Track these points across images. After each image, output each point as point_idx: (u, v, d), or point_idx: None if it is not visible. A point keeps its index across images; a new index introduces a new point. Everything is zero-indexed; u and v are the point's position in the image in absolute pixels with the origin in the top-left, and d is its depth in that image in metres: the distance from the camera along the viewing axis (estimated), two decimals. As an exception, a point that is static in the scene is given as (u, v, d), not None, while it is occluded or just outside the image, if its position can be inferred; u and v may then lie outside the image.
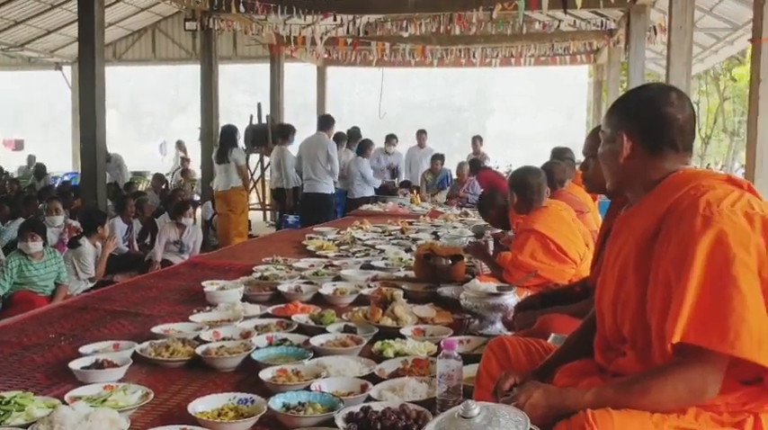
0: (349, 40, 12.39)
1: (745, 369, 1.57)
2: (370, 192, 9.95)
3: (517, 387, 1.78)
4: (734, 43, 12.36)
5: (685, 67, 7.45)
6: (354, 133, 10.76)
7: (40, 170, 13.61)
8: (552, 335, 2.39)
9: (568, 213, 3.85)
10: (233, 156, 8.67)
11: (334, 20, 10.87)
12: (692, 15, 7.50)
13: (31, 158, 15.37)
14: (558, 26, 11.56)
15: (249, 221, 9.31)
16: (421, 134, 11.87)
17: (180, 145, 15.58)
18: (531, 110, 20.46)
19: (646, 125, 1.76)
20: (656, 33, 9.70)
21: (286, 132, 9.95)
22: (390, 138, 11.33)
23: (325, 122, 9.11)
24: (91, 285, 6.09)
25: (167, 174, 13.73)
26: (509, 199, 3.99)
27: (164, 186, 11.90)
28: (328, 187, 8.94)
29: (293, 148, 9.85)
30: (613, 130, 1.82)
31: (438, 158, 10.80)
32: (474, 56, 13.45)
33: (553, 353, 2.04)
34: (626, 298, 1.76)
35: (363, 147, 10.14)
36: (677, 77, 7.23)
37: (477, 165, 9.95)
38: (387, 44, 12.62)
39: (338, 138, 9.85)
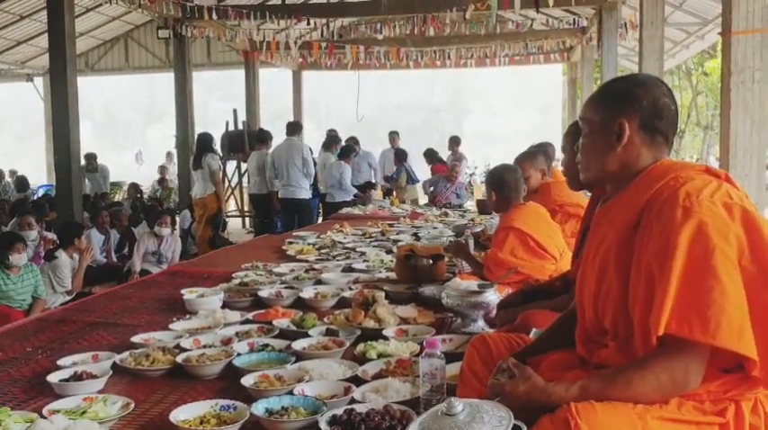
0: (323, 44, 12.39)
1: (726, 357, 1.59)
2: (349, 197, 9.88)
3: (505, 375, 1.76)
4: (704, 37, 12.55)
5: (657, 63, 7.55)
6: (335, 137, 10.76)
7: (22, 183, 13.43)
8: (533, 330, 2.40)
9: (544, 211, 3.87)
10: (206, 162, 8.63)
11: (308, 24, 10.85)
12: (662, 11, 7.62)
13: (12, 172, 15.20)
14: (531, 25, 11.68)
15: (225, 223, 9.24)
16: (393, 135, 11.85)
17: (170, 156, 15.44)
18: (507, 109, 20.59)
19: (647, 113, 1.75)
20: (627, 30, 9.80)
21: (264, 137, 9.92)
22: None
23: (294, 128, 9.28)
24: (69, 298, 6.02)
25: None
26: (486, 197, 4.00)
27: (138, 195, 11.82)
28: (306, 192, 9.05)
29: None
30: (609, 118, 1.78)
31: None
32: (449, 57, 13.52)
33: (529, 345, 2.04)
34: (607, 290, 1.77)
35: (346, 152, 10.05)
36: (650, 73, 7.32)
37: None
38: (361, 47, 12.63)
39: (328, 144, 10.20)
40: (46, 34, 8.79)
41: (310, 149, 9.56)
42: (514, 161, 4.28)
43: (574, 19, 12.12)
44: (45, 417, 2.16)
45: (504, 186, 3.77)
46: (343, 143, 10.42)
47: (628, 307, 1.69)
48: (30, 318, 4.35)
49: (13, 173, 15.18)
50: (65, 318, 3.64)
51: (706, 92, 22.76)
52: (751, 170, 5.00)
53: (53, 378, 2.53)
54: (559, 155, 3.43)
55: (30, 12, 13.67)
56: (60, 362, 2.75)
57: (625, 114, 1.76)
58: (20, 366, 2.85)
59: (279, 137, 9.76)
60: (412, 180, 10.63)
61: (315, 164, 9.50)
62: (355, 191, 9.81)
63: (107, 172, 12.13)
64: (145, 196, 12.86)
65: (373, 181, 10.60)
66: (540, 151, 4.53)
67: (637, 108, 1.75)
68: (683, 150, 22.81)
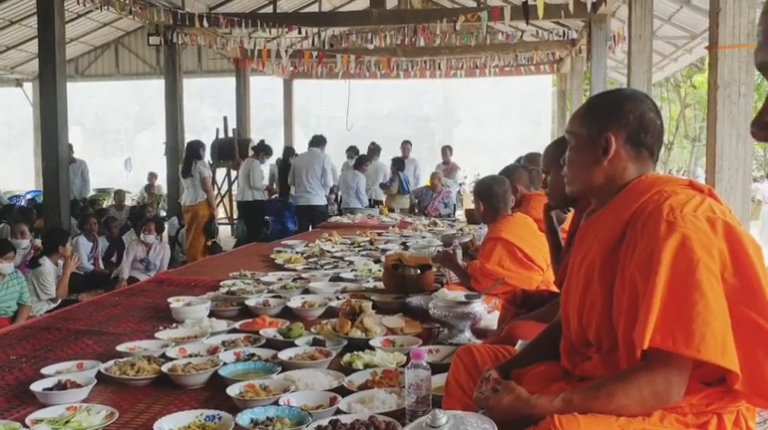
0: (314, 53, 12.41)
1: (709, 371, 1.60)
2: (360, 205, 10.28)
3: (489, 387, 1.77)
4: (692, 51, 12.65)
5: (646, 75, 7.61)
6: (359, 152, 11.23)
7: None
8: (519, 341, 2.40)
9: (532, 222, 3.88)
10: (197, 169, 8.63)
11: (299, 33, 10.87)
12: (650, 24, 7.68)
13: None
14: (522, 37, 11.75)
15: (216, 229, 9.23)
16: (406, 145, 11.94)
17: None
18: (497, 119, 20.69)
19: (633, 127, 1.77)
20: (616, 42, 9.88)
21: (266, 150, 10.26)
22: None
23: (318, 140, 9.84)
24: (53, 306, 5.96)
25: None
26: (475, 208, 4.01)
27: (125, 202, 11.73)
28: (321, 198, 9.67)
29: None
30: (595, 131, 1.80)
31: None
32: (439, 67, 13.58)
33: (514, 356, 2.05)
34: (591, 303, 1.78)
35: (360, 162, 10.55)
36: (638, 85, 7.38)
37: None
38: (352, 56, 12.66)
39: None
40: (36, 40, 8.76)
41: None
42: (502, 172, 4.30)
43: (564, 31, 12.21)
44: (27, 427, 2.15)
45: (492, 197, 3.79)
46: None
47: (612, 320, 1.70)
48: (14, 325, 4.31)
49: None
50: (50, 325, 3.61)
51: (694, 104, 22.95)
52: (737, 183, 5.03)
53: (36, 387, 2.50)
54: None
55: (20, 17, 13.62)
56: (44, 370, 2.72)
57: (611, 128, 1.78)
58: (3, 374, 2.82)
59: (272, 145, 10.01)
60: (404, 189, 10.68)
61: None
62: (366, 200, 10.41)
63: (85, 167, 11.79)
64: (132, 203, 12.77)
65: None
66: (524, 165, 4.56)
67: (623, 122, 1.77)
68: (671, 162, 22.98)
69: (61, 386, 2.51)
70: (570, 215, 3.07)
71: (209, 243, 8.87)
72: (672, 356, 1.55)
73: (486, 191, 3.82)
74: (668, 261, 1.57)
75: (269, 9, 13.15)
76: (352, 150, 11.54)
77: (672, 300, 1.55)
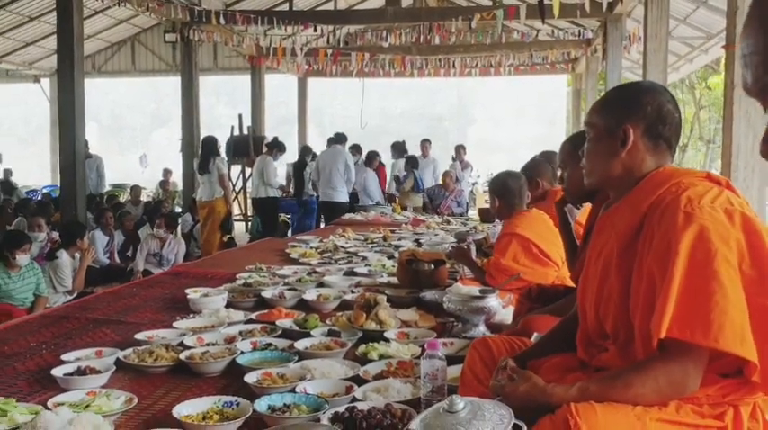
0: (329, 51, 12.44)
1: (726, 362, 1.60)
2: (372, 201, 10.36)
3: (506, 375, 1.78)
4: (708, 52, 12.56)
5: (661, 75, 7.57)
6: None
7: (6, 186, 13.39)
8: (535, 334, 2.42)
9: (548, 218, 3.88)
10: (215, 166, 8.68)
11: (315, 31, 10.91)
12: (666, 24, 7.64)
13: (7, 172, 15.18)
14: (537, 35, 11.71)
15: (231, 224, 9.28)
16: (425, 143, 11.97)
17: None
18: (511, 119, 20.63)
19: (652, 119, 1.78)
20: (631, 42, 9.84)
21: (280, 147, 10.26)
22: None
23: (340, 137, 10.11)
24: (70, 298, 6.03)
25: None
26: (490, 203, 4.02)
27: (140, 197, 11.82)
28: (344, 195, 9.85)
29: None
30: (613, 123, 1.81)
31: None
32: (454, 65, 13.57)
33: (530, 347, 2.06)
34: (608, 294, 1.79)
35: (370, 158, 10.65)
36: (654, 85, 7.33)
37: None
38: (367, 55, 12.68)
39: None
40: (53, 36, 8.85)
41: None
42: (525, 167, 4.27)
43: (579, 30, 12.17)
44: (50, 409, 2.19)
45: (507, 193, 3.78)
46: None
47: (629, 311, 1.71)
48: (33, 314, 4.37)
49: (7, 172, 15.12)
50: (68, 314, 3.66)
51: (709, 106, 22.81)
52: (752, 183, 5.00)
53: (57, 372, 2.55)
54: None
55: (38, 14, 13.75)
56: (64, 357, 2.77)
57: (630, 120, 1.79)
58: (25, 360, 2.87)
59: (286, 143, 10.13)
60: (418, 188, 10.70)
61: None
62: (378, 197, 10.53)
63: (101, 164, 11.85)
64: (148, 198, 12.85)
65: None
66: (547, 160, 4.53)
67: (641, 114, 1.78)
68: (686, 164, 22.81)
69: (81, 371, 2.56)
70: (585, 209, 3.07)
71: (226, 239, 8.93)
72: (689, 346, 1.55)
73: (502, 186, 3.81)
74: (686, 251, 1.58)
75: (285, 7, 13.19)
76: (354, 148, 11.60)
77: (689, 290, 1.56)
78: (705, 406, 1.63)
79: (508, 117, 20.69)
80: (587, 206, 3.00)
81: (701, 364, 1.59)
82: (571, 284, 3.08)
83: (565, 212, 3.07)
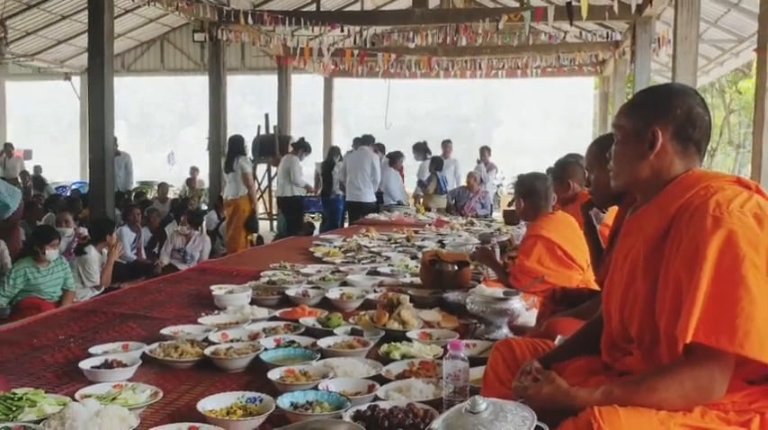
0: (356, 52, 12.47)
1: (752, 368, 1.59)
2: (394, 200, 10.45)
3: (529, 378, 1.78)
4: (739, 55, 12.39)
5: (691, 79, 7.48)
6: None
7: (38, 181, 13.63)
8: (558, 336, 2.41)
9: (573, 220, 3.85)
10: (239, 164, 8.76)
11: (342, 31, 10.94)
12: (697, 27, 7.55)
13: (37, 168, 15.46)
14: (564, 37, 11.65)
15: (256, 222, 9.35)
16: (447, 144, 11.97)
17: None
18: (537, 121, 20.52)
19: (681, 122, 1.76)
20: (660, 45, 9.72)
21: (305, 147, 10.39)
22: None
23: (368, 139, 10.38)
24: (97, 293, 6.11)
25: None
26: (515, 204, 4.00)
27: (167, 195, 11.96)
28: (370, 196, 10.05)
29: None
30: (642, 125, 1.79)
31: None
32: (480, 67, 13.52)
33: (554, 350, 2.05)
34: (634, 297, 1.77)
35: (393, 158, 10.72)
36: (683, 88, 7.24)
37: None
38: (393, 55, 12.69)
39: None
40: (85, 34, 8.98)
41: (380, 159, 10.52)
42: (555, 168, 4.21)
43: (607, 32, 12.07)
44: (77, 401, 2.22)
45: (533, 194, 3.76)
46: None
47: (654, 315, 1.70)
48: (61, 308, 4.44)
49: (37, 169, 15.40)
50: (96, 309, 3.72)
51: (739, 110, 22.47)
52: (783, 187, 4.94)
53: (85, 364, 2.59)
54: None
55: (71, 12, 13.98)
56: (92, 350, 2.82)
57: (659, 122, 1.77)
58: (53, 353, 2.93)
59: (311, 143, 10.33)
60: (441, 190, 10.69)
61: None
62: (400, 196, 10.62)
63: (130, 161, 12.02)
64: (174, 196, 13.00)
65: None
66: (577, 162, 4.48)
67: (671, 117, 1.76)
68: (715, 169, 22.40)
69: (108, 365, 2.60)
70: (612, 212, 3.04)
71: (252, 237, 8.99)
72: (714, 352, 1.54)
73: (529, 187, 3.79)
74: (713, 256, 1.56)
75: (312, 7, 13.27)
76: (377, 147, 11.72)
77: (716, 295, 1.54)
78: (731, 412, 1.61)
79: (534, 119, 20.58)
80: (612, 209, 2.98)
81: (728, 370, 1.57)
82: (596, 287, 3.05)
83: (590, 216, 3.04)
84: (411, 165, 11.91)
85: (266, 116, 12.03)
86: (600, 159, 2.53)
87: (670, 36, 8.30)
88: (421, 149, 11.60)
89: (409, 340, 2.98)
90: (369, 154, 10.08)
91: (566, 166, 4.14)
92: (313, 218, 11.41)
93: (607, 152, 1.95)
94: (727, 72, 15.60)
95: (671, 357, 1.63)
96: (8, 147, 15.05)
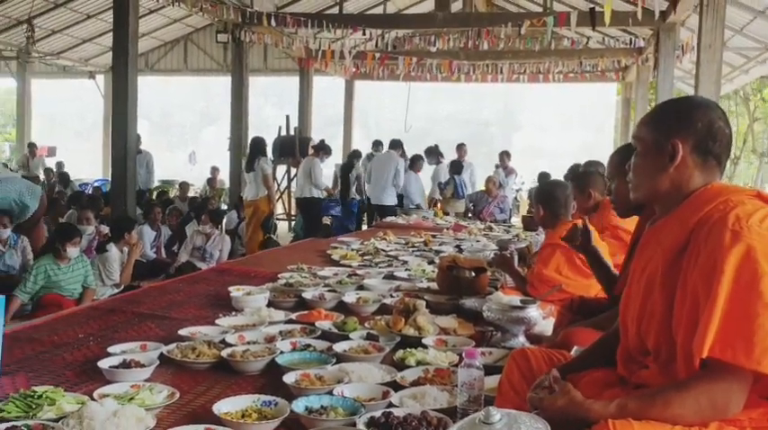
0: (377, 55, 12.49)
1: (770, 385, 1.57)
2: (413, 204, 10.62)
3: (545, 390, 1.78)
4: (765, 63, 12.25)
5: (714, 86, 7.40)
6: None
7: (63, 177, 13.81)
8: (575, 347, 2.40)
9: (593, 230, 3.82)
10: (259, 165, 8.81)
11: (364, 34, 10.97)
12: (721, 34, 7.46)
13: (59, 165, 15.65)
14: (587, 43, 11.58)
15: (275, 226, 9.39)
16: (462, 147, 11.95)
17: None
18: (558, 126, 20.41)
19: (702, 135, 1.75)
20: (684, 52, 9.64)
21: (326, 149, 10.51)
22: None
23: (395, 144, 10.67)
24: (117, 291, 6.17)
25: None
26: (534, 212, 3.98)
27: (188, 194, 12.05)
28: (392, 198, 10.39)
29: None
30: (662, 138, 1.78)
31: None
32: (501, 71, 13.49)
33: (570, 361, 2.05)
34: (651, 311, 1.76)
35: (414, 161, 10.89)
36: (706, 96, 7.18)
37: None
38: (414, 58, 12.70)
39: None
40: (110, 33, 9.07)
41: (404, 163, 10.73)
42: (574, 176, 4.21)
43: (630, 39, 11.99)
44: (95, 400, 2.25)
45: (553, 202, 3.74)
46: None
47: (671, 328, 1.69)
48: (82, 306, 4.49)
49: (60, 165, 15.58)
50: (115, 308, 3.76)
51: (764, 118, 22.20)
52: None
53: (103, 364, 2.62)
54: None
55: (96, 11, 14.15)
56: (110, 349, 2.85)
57: (679, 135, 1.76)
58: (73, 351, 2.97)
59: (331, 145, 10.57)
60: (458, 194, 10.67)
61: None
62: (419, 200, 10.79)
63: (151, 160, 12.08)
64: (195, 195, 13.09)
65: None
66: (597, 171, 4.48)
67: (691, 130, 1.75)
68: (737, 177, 22.25)
69: (126, 364, 2.63)
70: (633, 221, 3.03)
71: (265, 238, 9.04)
72: (731, 367, 1.53)
73: (548, 195, 3.77)
74: (732, 271, 1.55)
75: (335, 10, 13.31)
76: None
77: (734, 310, 1.54)
78: (747, 429, 1.60)
79: (555, 124, 20.47)
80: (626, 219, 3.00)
81: (745, 386, 1.56)
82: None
83: (595, 248, 3.08)
84: (424, 170, 11.91)
85: (287, 117, 12.09)
86: (620, 169, 2.53)
87: (694, 43, 8.21)
88: (433, 153, 11.57)
89: (425, 347, 2.98)
90: (394, 158, 10.36)
91: (586, 177, 4.14)
92: (330, 218, 11.45)
93: (627, 163, 1.95)
94: (752, 80, 15.43)
95: (687, 372, 1.62)
96: (31, 147, 15.26)
